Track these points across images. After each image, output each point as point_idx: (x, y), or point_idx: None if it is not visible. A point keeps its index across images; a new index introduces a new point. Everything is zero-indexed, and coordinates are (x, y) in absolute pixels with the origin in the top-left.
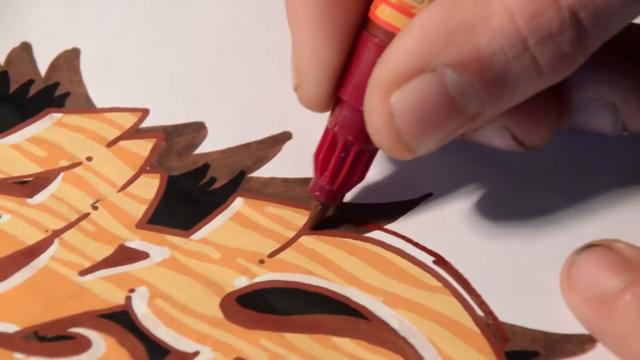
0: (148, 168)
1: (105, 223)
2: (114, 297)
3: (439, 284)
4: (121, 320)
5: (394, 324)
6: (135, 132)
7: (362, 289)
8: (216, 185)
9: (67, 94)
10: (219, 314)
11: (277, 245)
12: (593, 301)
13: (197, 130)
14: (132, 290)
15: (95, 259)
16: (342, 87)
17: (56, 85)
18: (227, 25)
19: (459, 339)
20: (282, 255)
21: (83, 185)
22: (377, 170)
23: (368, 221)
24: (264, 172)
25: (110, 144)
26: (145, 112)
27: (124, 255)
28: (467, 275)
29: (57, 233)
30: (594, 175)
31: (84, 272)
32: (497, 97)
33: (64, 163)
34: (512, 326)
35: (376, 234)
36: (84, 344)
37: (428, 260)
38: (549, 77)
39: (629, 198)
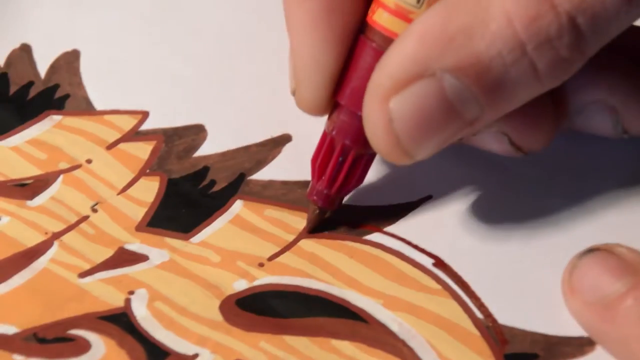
0: (148, 171)
1: (105, 226)
2: (114, 299)
3: (439, 287)
4: (121, 322)
5: (394, 326)
6: (135, 135)
7: (362, 292)
8: (216, 188)
9: (67, 96)
10: (219, 317)
11: (277, 249)
12: (595, 305)
13: (196, 132)
14: (131, 293)
15: (94, 261)
16: (339, 92)
17: (56, 87)
18: (227, 27)
19: (458, 342)
20: (281, 259)
21: (83, 187)
22: (376, 173)
23: (367, 223)
24: (264, 174)
25: (110, 146)
26: (145, 115)
27: (124, 258)
28: (466, 277)
29: (56, 235)
30: (593, 178)
31: (83, 274)
32: (495, 101)
33: (63, 165)
34: (512, 329)
35: (375, 237)
36: (84, 346)
37: (427, 262)
38: (547, 81)
39: (629, 200)
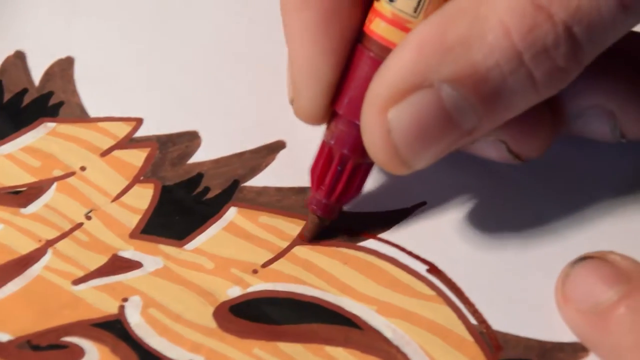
0: (142, 178)
1: (99, 233)
2: (107, 307)
3: (433, 293)
4: (114, 329)
5: (388, 333)
6: (129, 142)
7: (356, 299)
8: (210, 195)
9: (61, 103)
10: (213, 324)
11: (271, 255)
12: (587, 313)
13: (190, 139)
14: (125, 300)
15: (88, 268)
16: (337, 101)
17: (50, 94)
18: (221, 34)
19: (452, 348)
20: (275, 265)
21: (77, 195)
22: (371, 179)
23: (362, 230)
24: (258, 181)
25: (104, 153)
26: (139, 122)
27: (118, 265)
28: (460, 284)
29: (50, 243)
30: (588, 184)
31: (77, 282)
32: (493, 111)
33: (57, 173)
34: (505, 334)
35: (370, 243)
36: (77, 353)
37: (422, 269)
38: (544, 91)
39: (624, 207)
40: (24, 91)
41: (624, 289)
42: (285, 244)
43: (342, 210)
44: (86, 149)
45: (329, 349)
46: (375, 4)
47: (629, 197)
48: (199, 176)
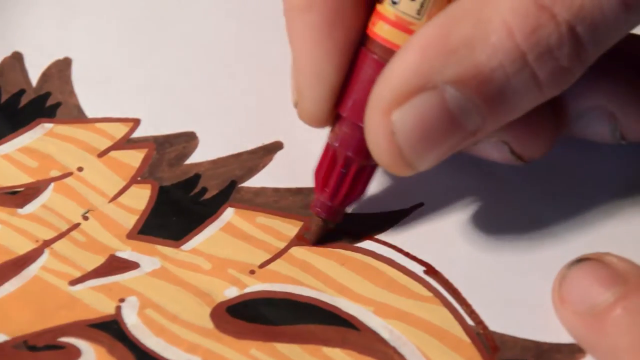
0: (139, 178)
1: (96, 233)
2: (104, 307)
3: (430, 294)
4: (111, 329)
5: (385, 334)
6: (126, 143)
7: (353, 299)
8: (207, 196)
9: (58, 104)
10: (210, 324)
11: (268, 256)
12: (584, 315)
13: (188, 140)
14: (122, 300)
15: (85, 268)
16: (341, 104)
17: (47, 95)
18: (219, 35)
19: (449, 349)
20: (272, 266)
21: (74, 195)
22: None
23: (359, 231)
24: (255, 182)
25: (102, 154)
26: (136, 122)
27: (115, 265)
28: (457, 284)
29: (47, 243)
30: (585, 186)
31: (74, 282)
32: (497, 112)
33: (54, 173)
34: (502, 335)
35: (367, 244)
36: (74, 354)
37: (419, 270)
38: (548, 91)
39: (622, 208)
40: (22, 92)
41: (620, 291)
42: (282, 245)
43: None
44: (83, 149)
45: (326, 350)
46: (378, 7)
47: (627, 199)
48: (197, 177)
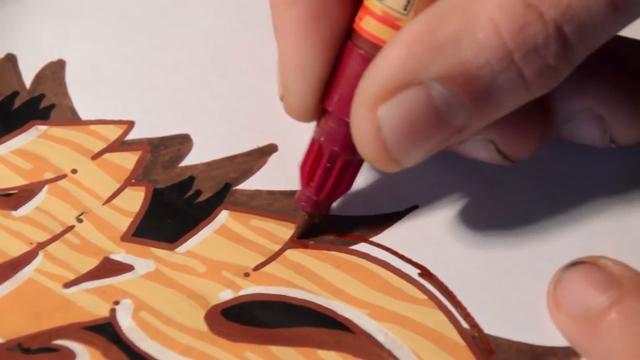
0: (133, 181)
1: (90, 236)
2: (99, 310)
3: (424, 297)
4: (105, 332)
5: (380, 337)
6: (120, 145)
7: (348, 302)
8: (201, 198)
9: (52, 106)
10: (204, 327)
11: (263, 259)
12: (579, 319)
13: (182, 142)
14: (116, 303)
15: (79, 271)
16: (327, 98)
17: (41, 97)
18: (213, 37)
19: (444, 352)
20: (267, 269)
21: (68, 197)
22: (362, 182)
23: (353, 232)
24: (250, 184)
25: (96, 156)
26: (130, 125)
27: (109, 268)
28: (452, 287)
29: (41, 245)
30: (579, 187)
31: (68, 285)
32: (483, 109)
33: (49, 175)
34: (497, 338)
35: (361, 247)
36: (68, 356)
37: (413, 272)
38: (535, 89)
39: (616, 209)
40: (15, 94)
41: (615, 295)
42: (277, 247)
43: (334, 213)
44: (77, 151)
45: (321, 353)
46: (366, 2)
47: (620, 201)
48: (191, 179)
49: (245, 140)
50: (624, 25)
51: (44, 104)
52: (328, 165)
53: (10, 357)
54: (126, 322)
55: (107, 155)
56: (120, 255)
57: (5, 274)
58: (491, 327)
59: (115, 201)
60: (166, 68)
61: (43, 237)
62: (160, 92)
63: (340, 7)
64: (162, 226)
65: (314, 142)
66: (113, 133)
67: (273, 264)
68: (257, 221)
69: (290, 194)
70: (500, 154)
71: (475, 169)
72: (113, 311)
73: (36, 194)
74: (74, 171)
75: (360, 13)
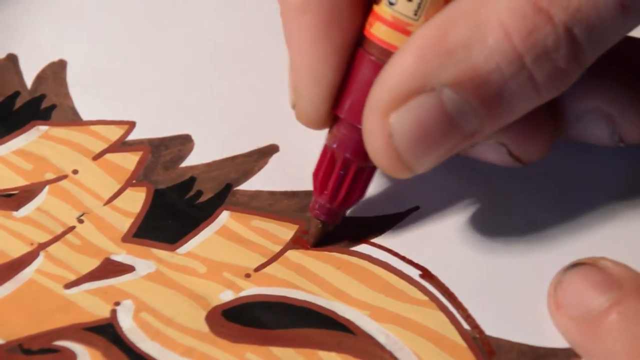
0: (134, 181)
1: (91, 236)
2: (100, 310)
3: (426, 298)
4: (106, 333)
5: (381, 338)
6: (121, 145)
7: (349, 303)
8: (202, 199)
9: (53, 107)
10: (205, 328)
11: (264, 259)
12: (579, 320)
13: (183, 143)
14: (117, 304)
15: (80, 272)
16: (339, 105)
17: (42, 97)
18: (214, 38)
19: (445, 353)
20: (268, 270)
21: (69, 198)
22: None
23: (355, 234)
24: (251, 185)
25: (97, 157)
26: (131, 125)
27: (110, 269)
28: (453, 289)
29: (42, 246)
30: (582, 189)
31: (69, 285)
32: (495, 114)
33: (49, 176)
34: (499, 340)
35: (363, 248)
36: (69, 357)
37: (415, 274)
38: (546, 93)
39: (619, 212)
40: (16, 94)
41: (615, 296)
42: (278, 248)
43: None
44: (78, 152)
45: (322, 354)
46: (375, 7)
47: (624, 203)
48: (192, 180)
49: (246, 140)
50: (633, 26)
51: (45, 104)
52: (341, 172)
53: (10, 358)
54: (127, 323)
55: (108, 156)
56: (121, 256)
57: (6, 274)
58: (492, 328)
59: (116, 202)
60: (167, 68)
61: (44, 237)
62: (161, 92)
63: (351, 14)
64: (163, 227)
65: (326, 150)
66: (114, 133)
67: (274, 264)
68: (258, 222)
69: (292, 194)
70: (512, 156)
71: (477, 170)
72: (114, 312)
73: (37, 195)
74: (75, 172)
75: (370, 19)
